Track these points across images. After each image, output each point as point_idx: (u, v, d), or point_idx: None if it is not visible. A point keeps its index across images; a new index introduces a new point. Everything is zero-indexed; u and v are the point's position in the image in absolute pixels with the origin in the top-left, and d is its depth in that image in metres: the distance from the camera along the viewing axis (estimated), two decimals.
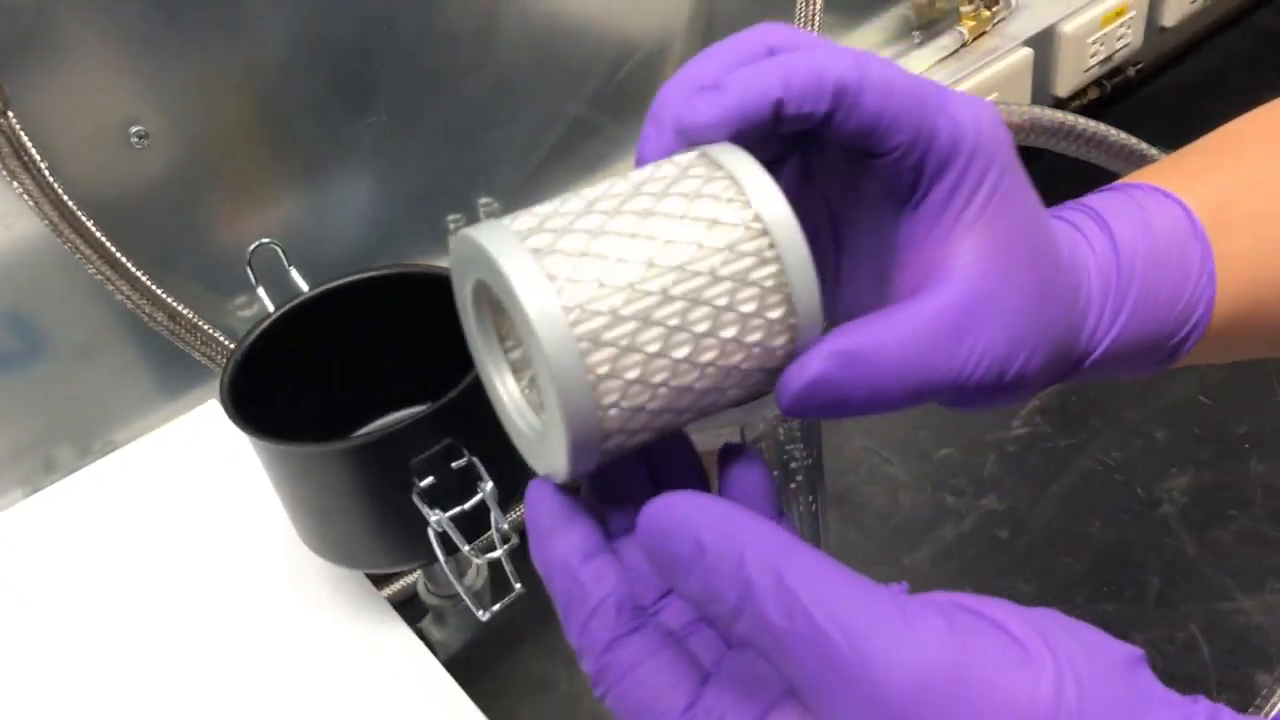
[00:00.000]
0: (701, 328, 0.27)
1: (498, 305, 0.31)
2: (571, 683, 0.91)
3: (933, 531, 0.97)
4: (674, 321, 0.27)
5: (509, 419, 0.31)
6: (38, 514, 0.65)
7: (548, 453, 0.29)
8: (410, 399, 0.53)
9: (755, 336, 0.28)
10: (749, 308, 0.28)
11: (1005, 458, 1.03)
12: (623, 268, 0.27)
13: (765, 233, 0.28)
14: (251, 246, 0.51)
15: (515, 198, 0.99)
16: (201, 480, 0.63)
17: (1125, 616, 0.88)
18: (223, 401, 0.45)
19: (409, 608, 0.61)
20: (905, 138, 0.32)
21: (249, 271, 0.51)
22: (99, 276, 0.70)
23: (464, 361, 0.51)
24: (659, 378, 0.27)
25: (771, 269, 0.28)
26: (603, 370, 0.27)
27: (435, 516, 0.43)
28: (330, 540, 0.47)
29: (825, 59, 0.31)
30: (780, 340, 0.29)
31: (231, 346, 0.78)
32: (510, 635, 0.94)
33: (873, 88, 0.31)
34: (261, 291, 0.51)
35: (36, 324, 0.79)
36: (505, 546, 0.43)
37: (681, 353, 0.27)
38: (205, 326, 0.75)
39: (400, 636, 0.52)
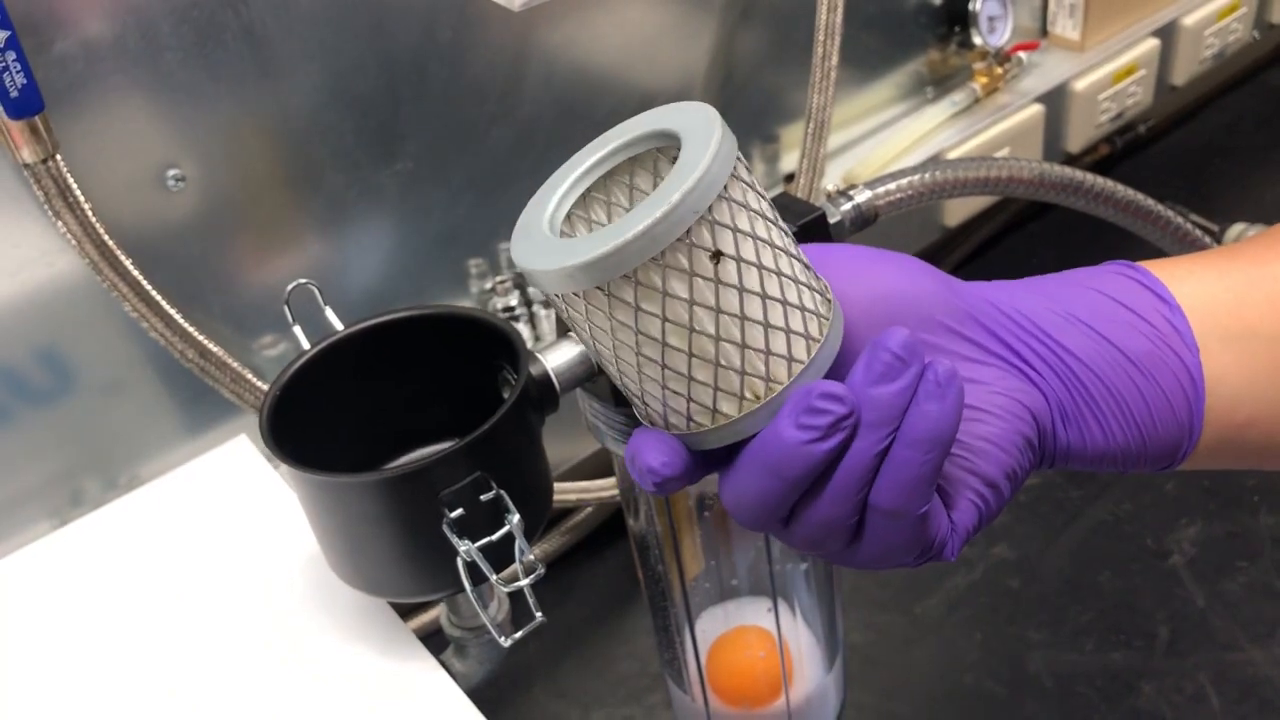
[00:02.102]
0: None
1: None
2: None
3: (945, 580, 0.98)
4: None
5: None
6: (65, 547, 0.67)
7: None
8: (439, 435, 0.55)
9: None
10: None
11: (1017, 507, 1.04)
12: None
13: None
14: (290, 286, 0.53)
15: None
16: (229, 514, 0.65)
17: (1134, 666, 0.89)
18: (262, 432, 0.47)
19: (430, 643, 0.62)
20: None
21: (286, 309, 0.53)
22: (134, 314, 0.73)
23: (492, 397, 0.53)
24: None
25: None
26: None
27: (464, 546, 0.44)
28: (362, 569, 0.49)
29: None
30: None
31: (259, 384, 0.80)
32: (523, 675, 0.95)
33: None
34: (298, 329, 0.53)
35: (68, 360, 0.82)
36: (531, 577, 0.45)
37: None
38: (234, 364, 0.77)
39: (426, 667, 0.53)
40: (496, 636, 0.47)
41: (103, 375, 0.83)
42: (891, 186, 0.63)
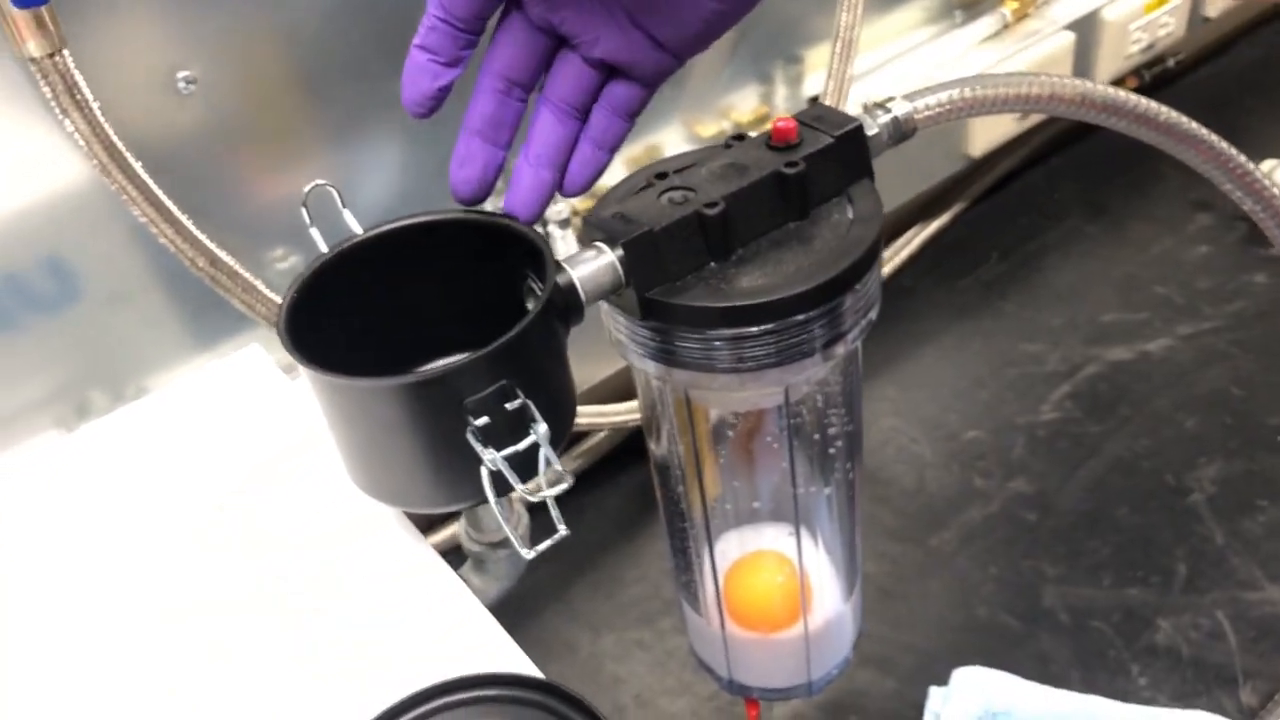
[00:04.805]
0: None
1: None
2: (594, 646, 0.91)
3: (960, 512, 0.97)
4: None
5: None
6: (73, 454, 0.65)
7: None
8: (459, 344, 0.53)
9: None
10: None
11: (1034, 441, 1.02)
12: None
13: None
14: (308, 187, 0.51)
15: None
16: (242, 423, 0.63)
17: (1151, 602, 0.88)
18: (280, 334, 0.45)
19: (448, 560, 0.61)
20: None
21: (304, 210, 0.51)
22: (144, 219, 0.70)
23: (515, 307, 0.51)
24: None
25: None
26: None
27: (490, 455, 0.43)
28: (382, 479, 0.47)
29: None
30: None
31: (271, 295, 0.78)
32: (533, 598, 0.94)
33: None
34: (315, 231, 0.51)
35: (73, 268, 0.80)
36: (558, 487, 0.43)
37: None
38: (246, 274, 0.75)
39: (446, 581, 0.52)
40: (519, 548, 0.45)
41: (109, 284, 0.81)
42: (930, 100, 0.60)
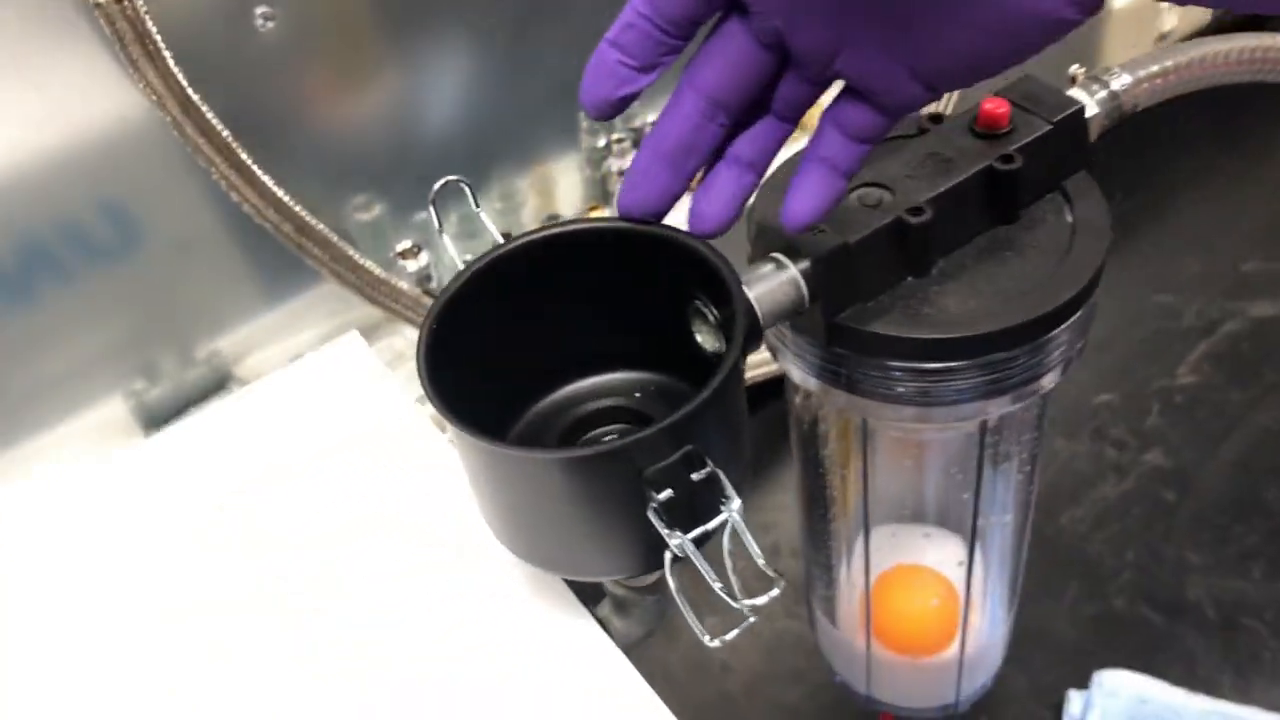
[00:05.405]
0: None
1: None
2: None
3: (1092, 488, 0.89)
4: None
5: None
6: (161, 454, 0.59)
7: None
8: (610, 361, 0.46)
9: None
10: None
11: (1171, 409, 0.94)
12: None
13: None
14: (437, 184, 0.43)
15: (654, 100, 0.89)
16: (342, 430, 0.56)
17: None
18: (422, 379, 0.38)
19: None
20: None
21: (431, 211, 0.43)
22: (224, 183, 0.63)
23: (673, 319, 0.43)
24: None
25: None
26: None
27: (676, 540, 0.36)
28: (541, 546, 0.41)
29: None
30: None
31: (361, 260, 0.71)
32: None
33: None
34: (447, 240, 0.43)
35: (136, 217, 0.73)
36: (771, 593, 0.36)
37: None
38: (335, 240, 0.67)
39: (579, 621, 0.46)
40: (702, 637, 0.38)
41: (174, 236, 0.74)
42: (1154, 69, 0.51)
